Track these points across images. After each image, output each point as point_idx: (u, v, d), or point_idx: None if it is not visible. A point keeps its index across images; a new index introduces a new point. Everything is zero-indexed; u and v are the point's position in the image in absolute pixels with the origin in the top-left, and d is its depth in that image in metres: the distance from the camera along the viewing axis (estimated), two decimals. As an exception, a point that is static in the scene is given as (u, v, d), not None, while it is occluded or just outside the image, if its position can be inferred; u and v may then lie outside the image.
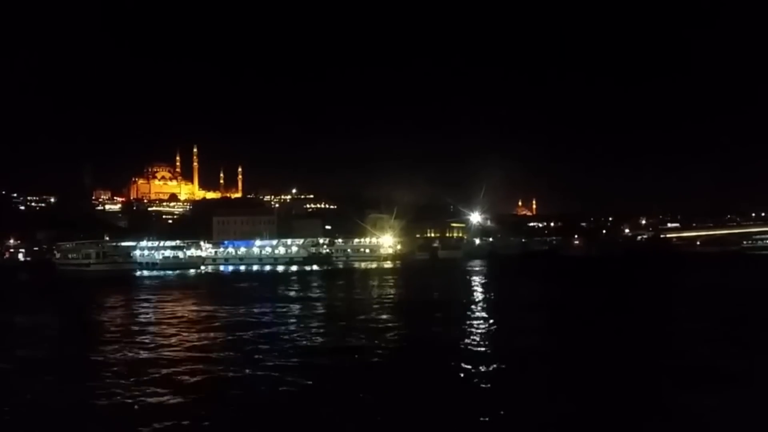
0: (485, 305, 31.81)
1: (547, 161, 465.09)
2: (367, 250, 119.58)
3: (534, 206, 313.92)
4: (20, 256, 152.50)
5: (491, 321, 24.46)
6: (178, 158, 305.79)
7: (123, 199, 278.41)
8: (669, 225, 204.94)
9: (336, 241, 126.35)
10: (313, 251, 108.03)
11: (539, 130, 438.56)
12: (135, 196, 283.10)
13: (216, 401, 12.51)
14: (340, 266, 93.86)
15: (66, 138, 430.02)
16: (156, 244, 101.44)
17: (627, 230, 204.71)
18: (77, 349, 19.10)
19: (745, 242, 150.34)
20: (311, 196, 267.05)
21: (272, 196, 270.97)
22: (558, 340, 19.36)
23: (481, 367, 15.19)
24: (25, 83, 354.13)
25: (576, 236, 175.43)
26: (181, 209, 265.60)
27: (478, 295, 38.11)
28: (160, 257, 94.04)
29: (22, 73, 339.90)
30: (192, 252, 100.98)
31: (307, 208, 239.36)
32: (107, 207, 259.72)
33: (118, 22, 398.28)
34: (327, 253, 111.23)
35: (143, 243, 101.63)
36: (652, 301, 32.35)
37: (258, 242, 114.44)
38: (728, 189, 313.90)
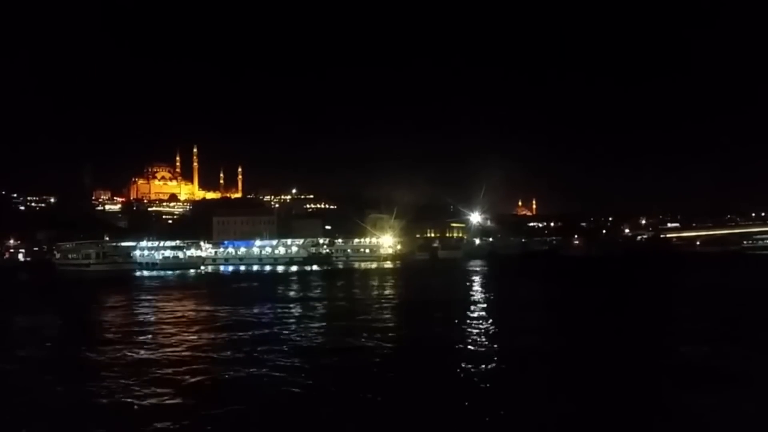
0: (485, 305, 31.82)
1: (547, 161, 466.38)
2: (367, 250, 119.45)
3: (534, 206, 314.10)
4: (20, 257, 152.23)
5: (491, 321, 24.43)
6: (178, 158, 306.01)
7: (123, 199, 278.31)
8: (669, 225, 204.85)
9: (336, 241, 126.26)
10: (313, 251, 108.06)
11: (539, 130, 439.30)
12: (135, 196, 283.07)
13: (216, 401, 12.50)
14: (340, 266, 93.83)
15: (66, 138, 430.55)
16: (156, 244, 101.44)
17: (627, 230, 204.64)
18: (77, 349, 19.08)
19: (745, 242, 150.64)
20: (311, 196, 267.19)
21: (272, 196, 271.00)
22: (558, 340, 19.35)
23: (481, 367, 15.22)
24: (25, 83, 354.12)
25: (576, 236, 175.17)
26: (181, 209, 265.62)
27: (478, 295, 38.14)
28: (160, 257, 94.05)
29: (22, 73, 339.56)
30: (192, 252, 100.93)
31: (307, 208, 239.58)
32: (107, 207, 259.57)
33: (118, 22, 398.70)
34: (327, 253, 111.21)
35: (143, 243, 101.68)
36: (652, 301, 32.33)
37: (258, 242, 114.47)
38: (728, 189, 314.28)
